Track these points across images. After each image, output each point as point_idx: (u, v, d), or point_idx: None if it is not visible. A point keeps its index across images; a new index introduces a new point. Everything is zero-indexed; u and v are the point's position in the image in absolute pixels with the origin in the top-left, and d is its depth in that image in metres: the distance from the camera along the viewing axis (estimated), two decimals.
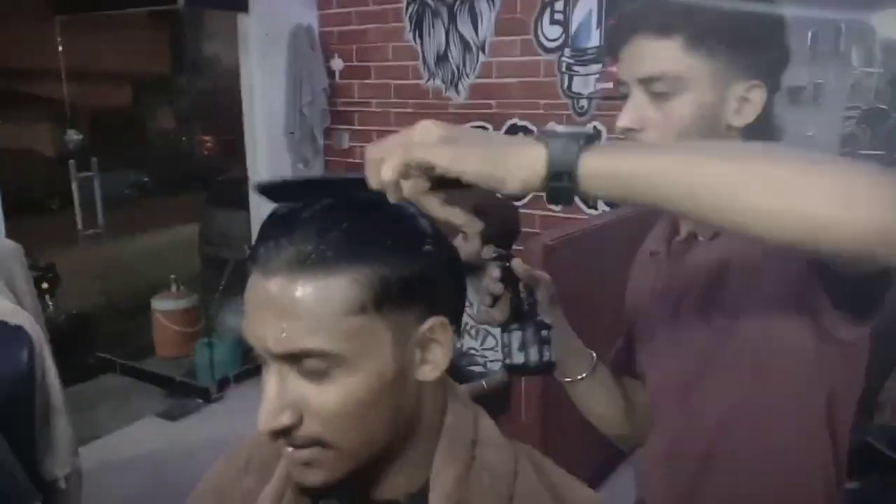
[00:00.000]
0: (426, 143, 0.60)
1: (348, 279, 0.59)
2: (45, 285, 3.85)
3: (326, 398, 0.60)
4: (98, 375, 4.07)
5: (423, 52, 3.65)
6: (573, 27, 3.17)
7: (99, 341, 4.30)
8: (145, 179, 7.87)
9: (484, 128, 3.52)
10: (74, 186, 3.73)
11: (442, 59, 3.59)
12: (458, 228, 0.64)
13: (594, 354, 1.10)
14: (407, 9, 3.66)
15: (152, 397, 3.79)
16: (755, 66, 0.88)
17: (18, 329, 1.62)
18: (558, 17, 3.21)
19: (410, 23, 3.67)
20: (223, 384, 3.79)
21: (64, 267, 4.08)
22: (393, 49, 3.77)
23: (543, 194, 0.61)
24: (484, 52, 3.47)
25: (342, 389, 0.60)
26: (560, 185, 0.60)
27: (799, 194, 0.58)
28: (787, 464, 0.92)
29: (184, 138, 6.64)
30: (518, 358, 0.96)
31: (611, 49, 0.94)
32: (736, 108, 0.89)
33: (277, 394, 0.61)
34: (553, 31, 3.23)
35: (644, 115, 0.89)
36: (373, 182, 0.60)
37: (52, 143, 9.24)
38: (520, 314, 0.97)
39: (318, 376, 0.60)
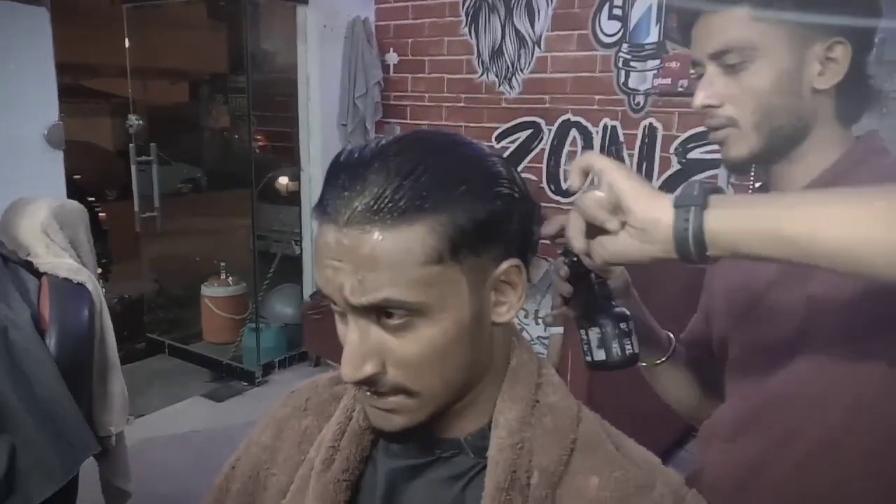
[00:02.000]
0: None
1: (425, 229, 0.57)
2: (98, 270, 3.97)
3: (408, 348, 0.60)
4: (148, 357, 4.17)
5: (478, 47, 3.66)
6: (632, 22, 3.15)
7: (150, 324, 4.40)
8: (199, 175, 8.05)
9: (536, 123, 3.52)
10: (133, 169, 3.83)
11: (497, 53, 3.60)
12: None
13: (672, 337, 1.05)
14: (464, 3, 3.68)
15: (199, 379, 3.86)
16: (833, 22, 0.84)
17: (81, 287, 1.67)
18: (617, 12, 3.19)
19: (467, 17, 3.68)
20: (268, 369, 3.84)
21: (118, 254, 4.20)
22: (448, 43, 3.78)
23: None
24: (539, 47, 3.46)
25: (423, 339, 0.60)
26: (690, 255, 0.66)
27: None
28: (870, 452, 0.85)
29: (237, 136, 6.76)
30: (599, 355, 0.89)
31: (682, 32, 0.92)
32: (819, 70, 0.85)
33: (359, 344, 0.60)
34: (611, 27, 3.21)
35: (720, 89, 0.87)
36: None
37: (112, 136, 9.54)
38: (595, 308, 0.90)
39: (398, 326, 0.60)
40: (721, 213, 0.65)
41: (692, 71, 0.92)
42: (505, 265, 0.63)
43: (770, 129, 0.87)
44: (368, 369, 0.60)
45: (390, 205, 0.57)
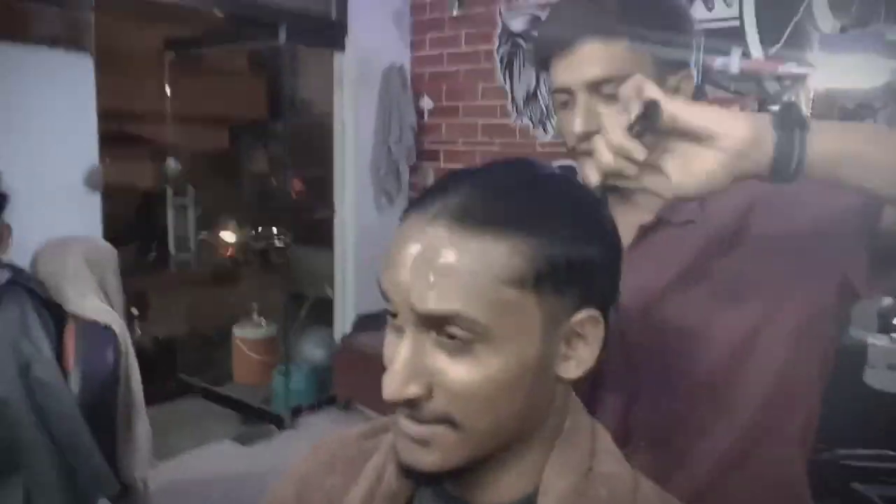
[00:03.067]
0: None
1: (512, 246, 0.54)
2: (134, 311, 4.00)
3: (463, 373, 0.55)
4: (178, 398, 4.16)
5: (512, 93, 3.67)
6: None
7: (181, 365, 4.41)
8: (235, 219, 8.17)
9: (570, 167, 3.49)
10: (170, 212, 3.88)
11: (531, 98, 3.60)
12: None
13: None
14: (498, 50, 3.70)
15: (228, 422, 3.84)
16: (684, 55, 0.92)
17: (108, 329, 1.66)
18: None
19: (501, 63, 3.70)
20: (297, 413, 3.80)
21: (153, 295, 4.24)
22: (482, 89, 3.80)
23: None
24: None
25: (481, 367, 0.55)
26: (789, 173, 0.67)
27: None
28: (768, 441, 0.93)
29: (274, 181, 6.86)
30: None
31: (545, 56, 0.94)
32: (670, 98, 0.91)
33: (409, 360, 0.55)
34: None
35: (598, 118, 0.89)
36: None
37: (151, 180, 9.77)
38: None
39: (457, 348, 0.55)
40: (822, 137, 0.67)
41: (561, 97, 0.94)
42: (583, 314, 0.58)
43: None
44: (413, 389, 0.55)
45: (483, 210, 0.54)
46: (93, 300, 1.66)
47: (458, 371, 0.55)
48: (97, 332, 1.63)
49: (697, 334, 0.92)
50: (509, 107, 3.69)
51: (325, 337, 4.19)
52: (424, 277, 0.54)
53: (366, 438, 0.74)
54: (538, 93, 3.57)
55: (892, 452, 1.86)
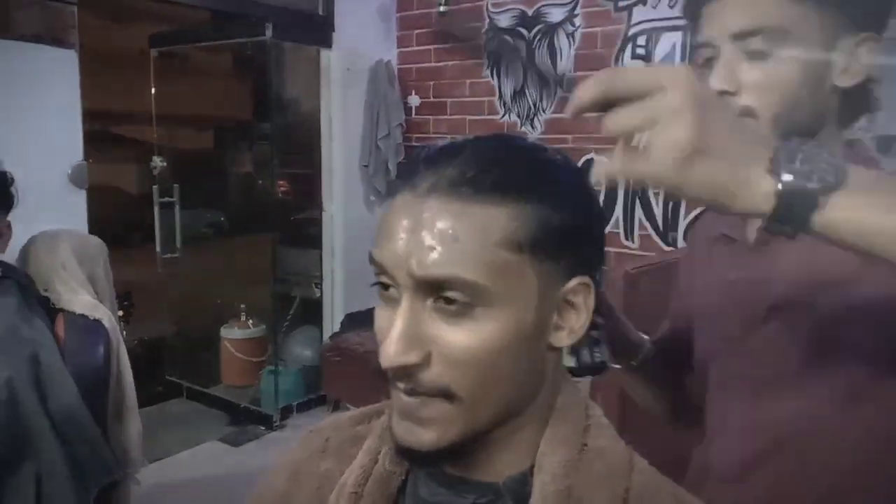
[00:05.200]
0: (661, 160, 0.50)
1: (510, 212, 0.55)
2: (120, 313, 3.95)
3: (462, 338, 0.55)
4: (165, 400, 4.12)
5: (500, 88, 3.66)
6: (656, 61, 3.13)
7: (169, 366, 4.37)
8: (222, 219, 8.10)
9: None
10: (156, 210, 3.84)
11: (519, 94, 3.60)
12: None
13: (647, 340, 1.03)
14: (486, 46, 3.69)
15: (216, 423, 3.81)
16: (867, 13, 0.77)
17: (97, 323, 1.64)
18: (640, 51, 3.18)
19: (489, 59, 3.69)
20: (286, 412, 3.78)
21: (139, 296, 4.19)
22: (470, 85, 3.79)
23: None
24: (562, 88, 3.45)
25: (480, 331, 0.55)
26: (783, 227, 0.53)
27: None
28: (858, 485, 0.81)
29: (260, 181, 6.81)
30: (569, 361, 0.91)
31: (692, 6, 0.82)
32: (844, 67, 0.77)
33: (407, 328, 0.55)
34: (635, 66, 3.20)
35: (739, 76, 0.77)
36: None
37: (138, 182, 9.67)
38: None
39: (456, 313, 0.55)
40: (848, 202, 0.51)
41: (705, 53, 0.80)
42: (574, 282, 0.58)
43: (787, 124, 0.77)
44: (413, 357, 0.55)
45: (477, 179, 0.55)
46: (82, 295, 1.64)
47: (456, 336, 0.55)
48: (87, 327, 1.61)
49: (855, 341, 0.78)
50: (497, 103, 3.68)
51: (313, 336, 4.17)
52: (422, 244, 0.54)
53: (358, 423, 0.73)
54: (525, 89, 3.57)
55: None
